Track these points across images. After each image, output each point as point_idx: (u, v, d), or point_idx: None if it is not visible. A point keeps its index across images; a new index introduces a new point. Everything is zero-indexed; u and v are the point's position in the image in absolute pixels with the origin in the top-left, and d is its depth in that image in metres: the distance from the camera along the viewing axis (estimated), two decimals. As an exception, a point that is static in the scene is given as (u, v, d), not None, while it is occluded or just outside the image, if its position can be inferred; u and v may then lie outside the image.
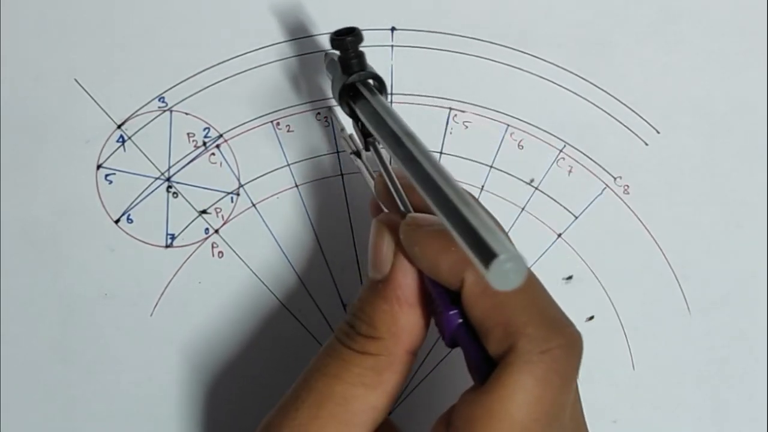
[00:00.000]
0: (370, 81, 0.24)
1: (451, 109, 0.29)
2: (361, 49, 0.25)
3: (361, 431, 0.21)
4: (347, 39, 0.24)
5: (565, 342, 0.20)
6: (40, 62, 0.28)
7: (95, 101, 0.28)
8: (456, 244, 0.19)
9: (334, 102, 0.28)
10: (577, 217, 0.30)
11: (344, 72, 0.24)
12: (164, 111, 0.28)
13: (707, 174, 0.30)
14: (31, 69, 0.28)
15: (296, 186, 0.28)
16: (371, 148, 0.25)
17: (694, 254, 0.30)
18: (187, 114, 0.28)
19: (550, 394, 0.19)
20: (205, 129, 0.28)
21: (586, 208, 0.30)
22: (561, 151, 0.29)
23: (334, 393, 0.21)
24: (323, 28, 0.28)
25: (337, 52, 0.25)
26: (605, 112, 0.29)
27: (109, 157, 0.28)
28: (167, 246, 0.28)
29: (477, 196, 0.29)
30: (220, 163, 0.28)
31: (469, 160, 0.29)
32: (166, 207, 0.28)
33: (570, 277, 0.30)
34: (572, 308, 0.30)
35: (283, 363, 0.29)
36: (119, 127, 0.28)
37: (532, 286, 0.21)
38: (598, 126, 0.29)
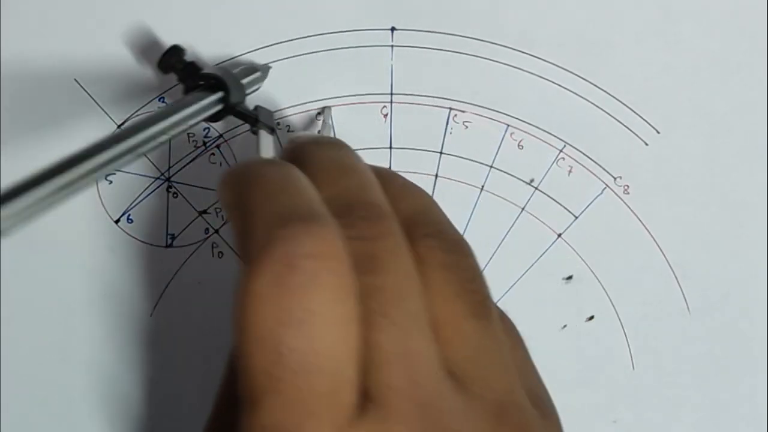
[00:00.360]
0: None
1: (451, 109, 0.29)
2: (187, 60, 0.26)
3: None
4: (172, 61, 0.26)
5: (283, 236, 0.17)
6: (40, 62, 0.28)
7: (95, 101, 0.28)
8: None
9: (332, 102, 0.28)
10: (577, 217, 0.30)
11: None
12: (164, 111, 0.28)
13: (707, 174, 0.30)
14: (31, 69, 0.28)
15: (296, 186, 0.28)
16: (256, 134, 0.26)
17: (694, 254, 0.30)
18: (187, 114, 0.28)
19: (289, 297, 0.17)
20: (204, 129, 0.28)
21: (586, 208, 0.30)
22: (561, 151, 0.29)
23: (232, 381, 0.21)
24: (323, 28, 0.28)
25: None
26: (605, 112, 0.29)
27: (109, 157, 0.28)
28: (167, 246, 0.28)
29: (477, 196, 0.29)
30: (220, 163, 0.28)
31: (469, 160, 0.29)
32: (166, 207, 0.28)
33: (570, 277, 0.30)
34: (572, 308, 0.30)
35: (283, 363, 0.29)
36: (119, 127, 0.28)
37: (246, 197, 0.19)
38: (598, 126, 0.29)
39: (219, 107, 0.24)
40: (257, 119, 0.25)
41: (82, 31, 0.28)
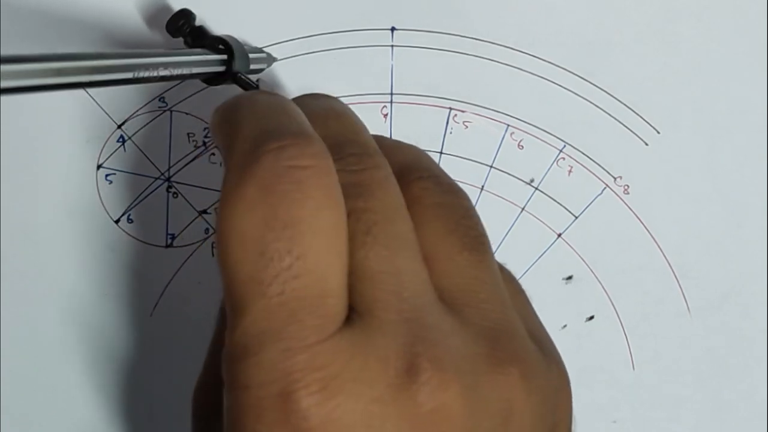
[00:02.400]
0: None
1: (451, 109, 0.29)
2: (196, 25, 0.26)
3: None
4: (179, 23, 0.26)
5: (272, 148, 0.18)
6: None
7: (95, 101, 0.28)
8: None
9: (334, 102, 0.28)
10: (577, 217, 0.30)
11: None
12: (164, 111, 0.28)
13: (707, 174, 0.30)
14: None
15: (296, 186, 0.28)
16: None
17: (694, 254, 0.30)
18: (187, 114, 0.28)
19: (276, 203, 0.18)
20: (205, 129, 0.28)
21: (586, 208, 0.30)
22: (561, 151, 0.29)
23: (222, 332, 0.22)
24: (323, 28, 0.28)
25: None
26: (605, 112, 0.29)
27: (109, 157, 0.28)
28: (167, 246, 0.28)
29: (477, 196, 0.29)
30: (220, 163, 0.28)
31: (469, 160, 0.29)
32: (166, 207, 0.28)
33: (570, 277, 0.30)
34: (572, 308, 0.30)
35: (283, 363, 0.29)
36: (119, 127, 0.28)
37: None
38: (598, 126, 0.29)
39: (221, 69, 0.24)
40: (257, 89, 0.25)
41: (82, 30, 0.28)
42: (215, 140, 0.20)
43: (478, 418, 0.18)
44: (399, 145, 0.23)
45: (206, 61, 0.24)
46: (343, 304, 0.18)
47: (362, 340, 0.17)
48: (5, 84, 0.17)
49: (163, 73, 0.21)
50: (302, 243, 0.17)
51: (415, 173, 0.21)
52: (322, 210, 0.18)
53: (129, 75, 0.20)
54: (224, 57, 0.24)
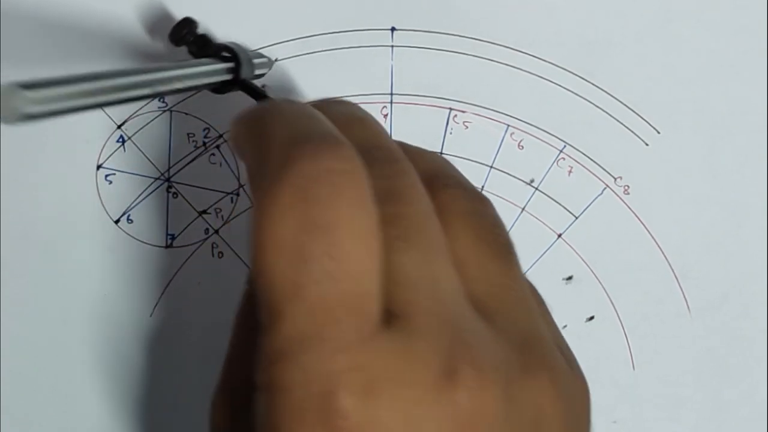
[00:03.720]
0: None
1: (451, 109, 0.29)
2: (199, 33, 0.26)
3: None
4: (183, 33, 0.26)
5: (306, 153, 0.18)
6: (40, 62, 0.28)
7: (95, 101, 0.28)
8: None
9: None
10: (577, 217, 0.30)
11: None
12: (164, 111, 0.28)
13: (707, 174, 0.30)
14: (31, 69, 0.28)
15: (296, 186, 0.28)
16: None
17: (694, 254, 0.30)
18: (187, 114, 0.28)
19: (312, 207, 0.18)
20: (204, 129, 0.28)
21: (586, 208, 0.30)
22: (561, 151, 0.29)
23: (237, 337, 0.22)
24: (323, 28, 0.28)
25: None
26: (605, 112, 0.29)
27: (109, 157, 0.28)
28: (167, 246, 0.28)
29: (477, 196, 0.29)
30: (220, 164, 0.28)
31: (469, 160, 0.29)
32: (166, 207, 0.28)
33: (570, 277, 0.30)
34: (572, 308, 0.30)
35: (283, 363, 0.29)
36: (119, 127, 0.28)
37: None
38: (598, 126, 0.29)
39: (228, 77, 0.24)
40: (266, 96, 0.25)
41: (82, 29, 0.28)
42: (238, 150, 0.20)
43: (514, 421, 0.18)
44: (422, 152, 0.23)
45: (215, 70, 0.24)
46: (380, 306, 0.18)
47: (401, 342, 0.17)
48: (32, 110, 0.16)
49: (177, 86, 0.22)
50: (339, 245, 0.17)
51: (441, 180, 0.21)
52: (357, 213, 0.18)
53: (147, 91, 0.20)
54: (231, 65, 0.24)
